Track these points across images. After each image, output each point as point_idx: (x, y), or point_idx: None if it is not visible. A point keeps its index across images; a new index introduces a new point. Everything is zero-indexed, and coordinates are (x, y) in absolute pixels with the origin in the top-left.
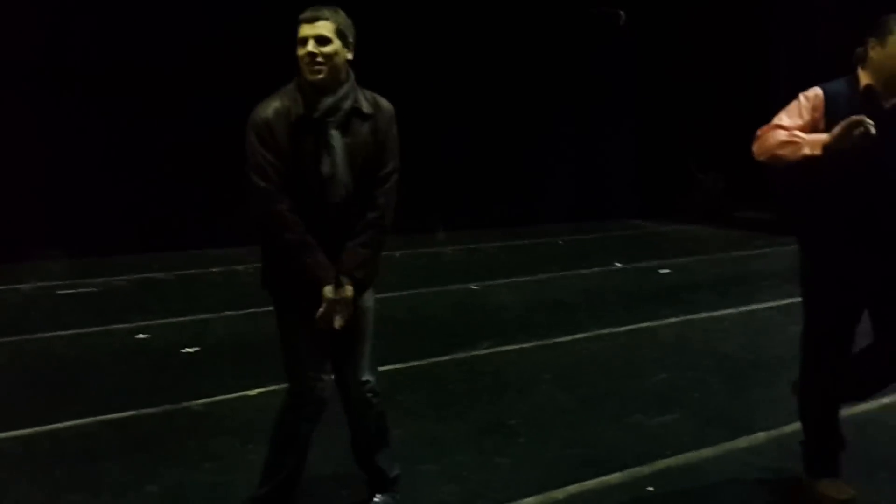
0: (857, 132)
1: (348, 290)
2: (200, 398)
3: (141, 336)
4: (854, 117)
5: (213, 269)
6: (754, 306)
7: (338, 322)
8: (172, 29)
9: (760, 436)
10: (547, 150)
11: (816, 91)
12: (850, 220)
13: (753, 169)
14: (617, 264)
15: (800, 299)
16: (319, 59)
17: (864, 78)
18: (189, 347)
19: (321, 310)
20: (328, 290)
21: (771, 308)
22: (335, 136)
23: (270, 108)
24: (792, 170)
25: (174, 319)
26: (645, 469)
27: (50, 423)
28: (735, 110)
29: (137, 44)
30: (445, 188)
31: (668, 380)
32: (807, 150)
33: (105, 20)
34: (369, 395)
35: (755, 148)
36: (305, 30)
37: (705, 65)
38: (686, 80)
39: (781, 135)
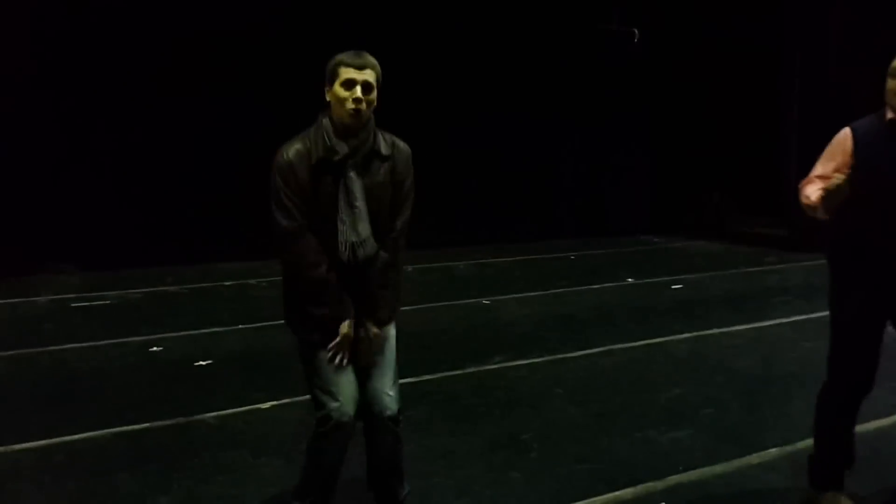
0: (829, 186)
1: (373, 330)
2: (213, 411)
3: (154, 349)
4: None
5: (226, 283)
6: (767, 322)
7: (344, 361)
8: (185, 44)
9: (773, 452)
10: (559, 166)
11: (846, 131)
12: (880, 245)
13: (764, 186)
14: (629, 280)
15: (811, 316)
16: (363, 105)
17: (889, 112)
18: (202, 360)
19: (333, 343)
20: (344, 326)
21: (783, 324)
22: (354, 179)
23: (293, 149)
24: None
25: (187, 332)
26: (657, 484)
27: (63, 435)
28: (746, 127)
29: (151, 59)
30: (458, 203)
31: (681, 395)
32: (820, 214)
33: (120, 34)
34: (391, 423)
35: (801, 199)
36: (352, 73)
37: (717, 82)
38: (698, 98)
39: (802, 196)
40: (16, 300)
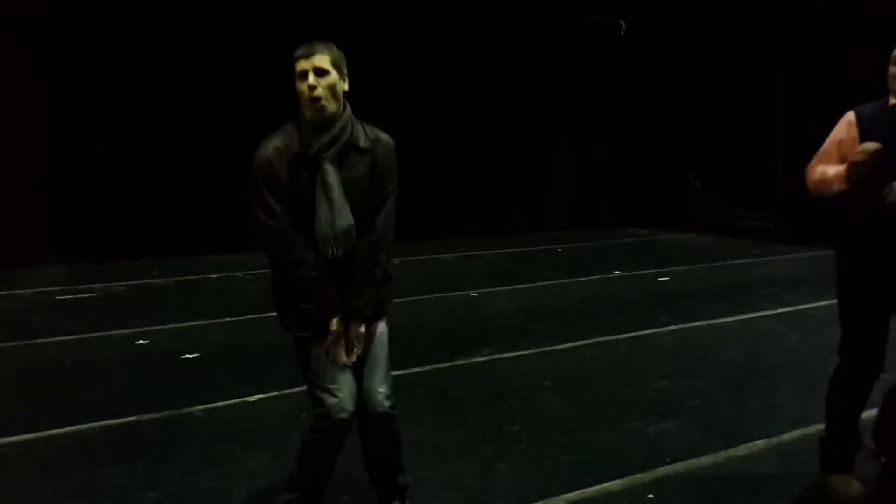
0: (860, 159)
1: (359, 329)
2: (200, 404)
3: (140, 342)
4: (858, 148)
5: (212, 276)
6: (753, 314)
7: (342, 358)
8: (173, 35)
9: (759, 443)
10: (546, 159)
11: (849, 115)
12: (885, 231)
13: (751, 179)
14: (616, 272)
15: (797, 307)
16: (319, 91)
17: (892, 98)
18: (189, 353)
19: (327, 342)
20: (333, 324)
21: (769, 316)
22: (330, 172)
23: (271, 146)
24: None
25: (173, 325)
26: (645, 476)
27: (50, 429)
28: (734, 120)
29: (139, 49)
30: (446, 196)
31: (668, 387)
32: (837, 186)
33: (109, 26)
34: (384, 419)
35: (811, 178)
36: (303, 64)
37: (705, 74)
38: (685, 90)
39: (817, 173)
40: (0, 293)
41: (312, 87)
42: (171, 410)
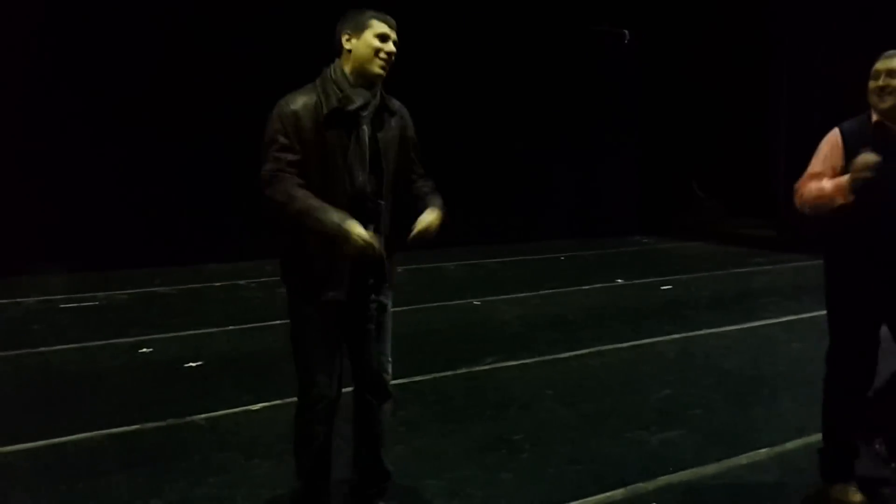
0: (862, 167)
1: (434, 214)
2: (204, 412)
3: (144, 350)
4: (857, 161)
5: (216, 284)
6: (756, 323)
7: (376, 244)
8: (178, 45)
9: (762, 452)
10: (549, 167)
11: (834, 132)
12: (871, 243)
13: (753, 187)
14: (619, 280)
15: (801, 316)
16: (392, 59)
17: (874, 115)
18: (192, 362)
19: (358, 241)
20: (350, 225)
21: (773, 325)
22: (365, 130)
23: (299, 101)
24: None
25: (177, 334)
26: (648, 485)
27: (54, 437)
28: (737, 128)
29: (140, 58)
30: (448, 204)
31: (671, 396)
32: (840, 200)
33: (106, 30)
34: (389, 387)
35: (797, 201)
36: (386, 29)
37: (708, 83)
38: (688, 99)
39: (813, 190)
40: (3, 301)
41: (390, 54)
42: (174, 419)
